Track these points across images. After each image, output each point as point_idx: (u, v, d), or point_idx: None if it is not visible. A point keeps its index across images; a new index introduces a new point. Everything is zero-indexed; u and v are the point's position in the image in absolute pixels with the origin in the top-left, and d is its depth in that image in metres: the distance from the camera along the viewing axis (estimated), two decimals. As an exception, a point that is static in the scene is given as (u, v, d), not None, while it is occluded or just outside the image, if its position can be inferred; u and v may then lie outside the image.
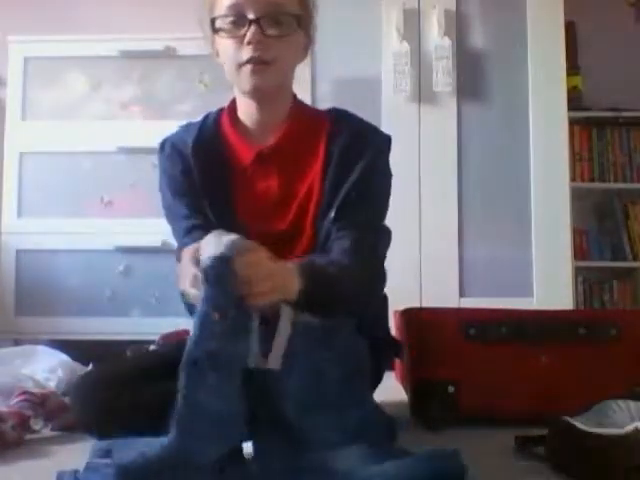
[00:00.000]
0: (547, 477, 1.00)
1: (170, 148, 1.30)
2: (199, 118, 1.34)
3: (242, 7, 1.13)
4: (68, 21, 3.07)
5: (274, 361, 0.95)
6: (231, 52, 1.16)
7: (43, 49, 2.87)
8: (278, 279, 0.96)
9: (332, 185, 1.20)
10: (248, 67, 1.15)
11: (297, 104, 1.30)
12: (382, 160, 1.27)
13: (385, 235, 1.29)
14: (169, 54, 2.82)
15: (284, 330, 0.97)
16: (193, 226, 1.23)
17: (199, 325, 0.91)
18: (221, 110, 1.32)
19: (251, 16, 1.13)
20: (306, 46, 1.26)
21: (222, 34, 1.17)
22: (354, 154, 1.21)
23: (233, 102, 1.29)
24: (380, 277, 1.24)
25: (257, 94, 1.20)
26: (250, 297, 0.91)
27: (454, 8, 2.66)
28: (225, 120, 1.28)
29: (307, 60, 1.34)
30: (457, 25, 2.66)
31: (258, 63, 1.14)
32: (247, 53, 1.14)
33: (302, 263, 1.04)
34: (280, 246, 1.11)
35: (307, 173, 1.23)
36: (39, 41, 2.88)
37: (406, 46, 2.61)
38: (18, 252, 2.77)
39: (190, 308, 1.01)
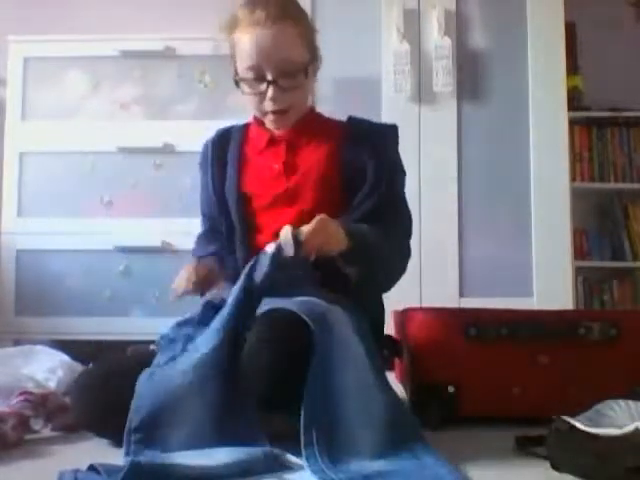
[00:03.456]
0: (547, 477, 1.00)
1: (204, 148, 1.52)
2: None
3: (260, 69, 1.32)
4: (68, 21, 3.07)
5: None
6: (255, 103, 1.37)
7: (43, 49, 2.87)
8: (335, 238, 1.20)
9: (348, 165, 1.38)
10: (270, 116, 1.37)
11: (314, 111, 1.49)
12: (395, 151, 1.45)
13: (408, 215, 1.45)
14: (169, 54, 2.82)
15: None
16: (203, 232, 1.53)
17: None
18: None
19: (269, 77, 1.31)
20: (314, 79, 1.44)
21: (245, 88, 1.36)
22: (368, 145, 1.39)
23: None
24: (407, 257, 1.40)
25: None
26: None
27: (454, 8, 2.66)
28: (253, 121, 1.48)
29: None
30: (457, 25, 2.66)
31: (278, 112, 1.36)
32: (269, 106, 1.35)
33: (352, 226, 1.26)
34: (278, 206, 1.35)
35: (314, 154, 1.39)
36: (39, 41, 2.88)
37: (406, 46, 2.61)
38: (18, 252, 2.77)
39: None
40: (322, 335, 1.06)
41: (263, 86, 1.33)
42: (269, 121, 1.40)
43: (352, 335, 1.12)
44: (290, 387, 1.04)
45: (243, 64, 1.34)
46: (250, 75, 1.33)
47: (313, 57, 1.39)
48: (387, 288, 1.39)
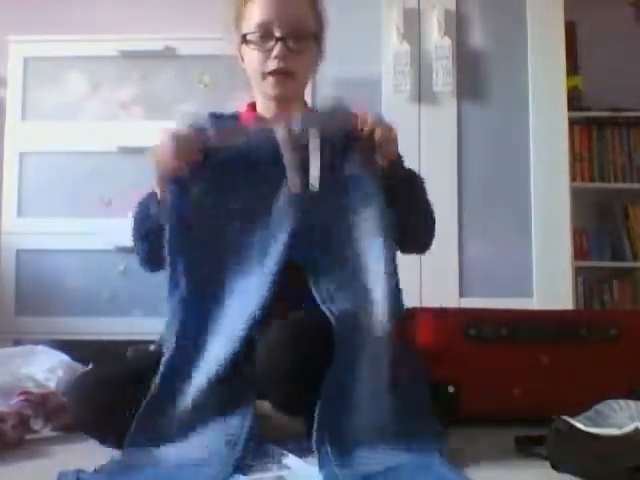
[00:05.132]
0: (547, 477, 1.00)
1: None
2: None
3: (270, 26, 1.31)
4: (68, 21, 3.07)
5: (314, 181, 1.15)
6: (258, 62, 1.34)
7: (43, 49, 2.87)
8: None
9: None
10: (273, 78, 1.33)
11: (309, 107, 1.48)
12: None
13: None
14: (169, 54, 2.82)
15: (315, 153, 1.16)
16: None
17: None
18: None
19: (278, 34, 1.31)
20: (318, 59, 1.43)
21: (251, 46, 1.34)
22: None
23: (251, 103, 1.45)
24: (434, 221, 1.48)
25: (278, 100, 1.38)
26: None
27: (454, 8, 2.66)
28: (244, 109, 1.45)
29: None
30: (457, 25, 2.66)
31: (282, 74, 1.32)
32: (273, 65, 1.32)
33: None
34: None
35: None
36: (39, 41, 2.88)
37: (406, 46, 2.61)
38: (18, 252, 2.77)
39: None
40: (343, 337, 1.05)
41: (270, 44, 1.32)
42: (270, 85, 1.35)
43: (372, 335, 1.10)
44: (306, 389, 1.04)
45: (253, 22, 1.33)
46: (258, 33, 1.33)
47: (321, 32, 1.40)
48: (423, 238, 1.48)
